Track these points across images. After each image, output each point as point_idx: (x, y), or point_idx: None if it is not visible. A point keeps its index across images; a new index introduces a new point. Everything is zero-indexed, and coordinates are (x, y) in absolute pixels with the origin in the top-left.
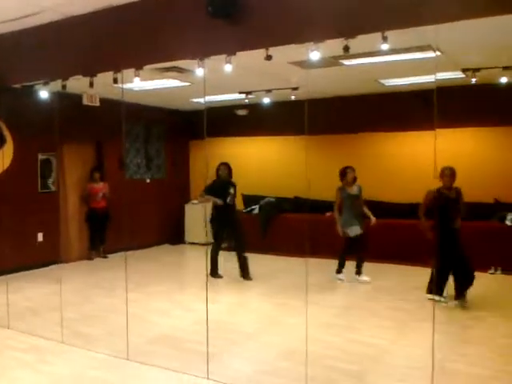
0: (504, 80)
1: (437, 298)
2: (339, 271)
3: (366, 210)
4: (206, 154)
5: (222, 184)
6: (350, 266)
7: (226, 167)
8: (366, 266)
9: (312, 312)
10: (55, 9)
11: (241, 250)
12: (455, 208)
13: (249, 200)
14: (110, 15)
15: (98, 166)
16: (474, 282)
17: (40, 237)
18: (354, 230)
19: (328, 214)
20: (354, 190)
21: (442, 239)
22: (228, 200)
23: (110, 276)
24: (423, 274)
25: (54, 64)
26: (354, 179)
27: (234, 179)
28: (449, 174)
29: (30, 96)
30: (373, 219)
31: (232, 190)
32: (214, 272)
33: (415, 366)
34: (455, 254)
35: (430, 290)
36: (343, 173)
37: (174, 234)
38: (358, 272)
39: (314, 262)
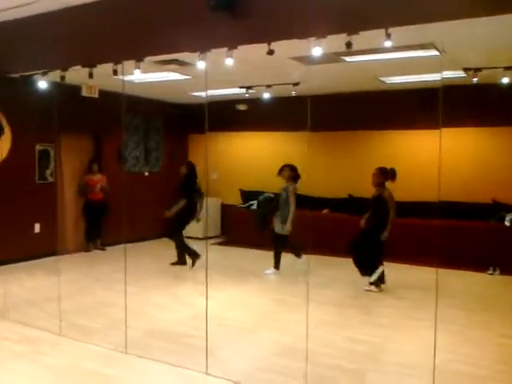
0: (506, 80)
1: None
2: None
3: (290, 213)
4: (207, 148)
5: None
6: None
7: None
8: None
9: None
10: None
11: None
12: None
13: (247, 195)
14: (110, 5)
15: (96, 157)
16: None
17: (37, 228)
18: (277, 227)
19: (324, 211)
20: (283, 188)
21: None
22: None
23: (108, 268)
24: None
25: (53, 54)
26: (292, 177)
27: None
28: (375, 173)
29: (28, 86)
30: (287, 226)
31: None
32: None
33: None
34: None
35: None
36: (280, 170)
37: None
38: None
39: (314, 259)
